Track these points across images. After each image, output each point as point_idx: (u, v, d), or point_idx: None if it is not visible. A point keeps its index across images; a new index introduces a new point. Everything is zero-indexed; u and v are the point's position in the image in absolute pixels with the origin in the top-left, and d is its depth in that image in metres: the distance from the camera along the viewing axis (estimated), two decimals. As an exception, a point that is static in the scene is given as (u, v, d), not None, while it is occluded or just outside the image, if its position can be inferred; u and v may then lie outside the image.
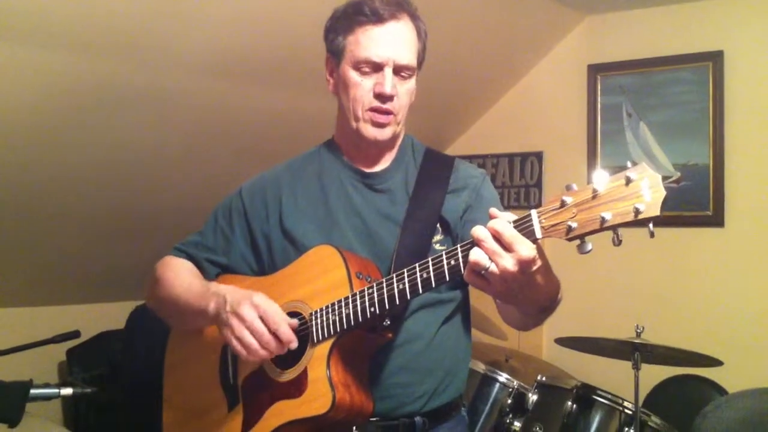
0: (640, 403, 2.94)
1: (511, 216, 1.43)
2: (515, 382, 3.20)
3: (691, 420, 2.71)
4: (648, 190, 1.29)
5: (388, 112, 1.81)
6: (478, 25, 3.70)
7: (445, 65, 3.87)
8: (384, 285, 1.62)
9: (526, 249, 1.39)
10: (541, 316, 1.71)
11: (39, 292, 3.77)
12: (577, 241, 1.36)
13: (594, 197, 1.33)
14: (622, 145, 4.11)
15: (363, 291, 1.65)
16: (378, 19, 1.79)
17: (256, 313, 1.69)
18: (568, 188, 1.38)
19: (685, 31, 3.96)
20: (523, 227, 1.40)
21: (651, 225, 1.31)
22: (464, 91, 4.30)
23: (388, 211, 1.87)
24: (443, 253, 1.53)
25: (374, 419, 1.77)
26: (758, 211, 3.77)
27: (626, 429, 2.93)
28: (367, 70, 1.81)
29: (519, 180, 4.46)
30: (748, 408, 2.66)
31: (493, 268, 1.40)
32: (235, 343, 1.70)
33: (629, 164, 1.32)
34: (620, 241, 1.33)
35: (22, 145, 2.90)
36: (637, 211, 1.28)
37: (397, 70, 1.81)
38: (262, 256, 1.93)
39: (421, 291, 1.58)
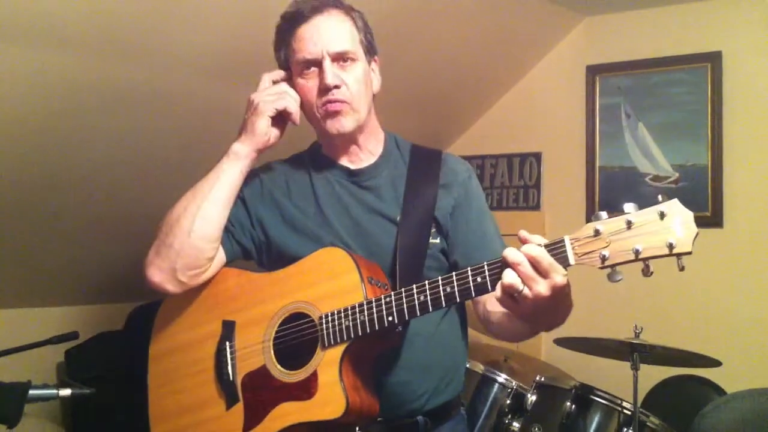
0: (639, 403, 2.94)
1: (542, 239, 1.46)
2: (514, 383, 3.20)
3: (690, 420, 2.72)
4: (680, 226, 1.34)
5: (339, 101, 1.82)
6: (477, 26, 3.71)
7: (444, 66, 3.87)
8: (403, 295, 1.63)
9: (560, 276, 1.42)
10: (545, 331, 1.75)
11: (37, 293, 3.76)
12: (608, 270, 1.39)
13: (628, 228, 1.37)
14: (620, 145, 4.11)
15: (380, 299, 1.65)
16: (302, 18, 1.82)
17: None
18: (597, 217, 1.41)
19: (683, 32, 3.96)
20: (556, 253, 1.43)
21: (681, 260, 1.35)
22: (463, 92, 4.31)
23: (377, 206, 1.88)
24: (468, 269, 1.55)
25: (377, 419, 1.77)
26: (757, 212, 3.78)
27: (625, 429, 2.93)
28: (309, 72, 1.83)
29: (518, 180, 4.46)
30: (747, 408, 2.67)
31: (526, 291, 1.43)
32: (267, 101, 1.83)
33: (660, 198, 1.36)
34: (651, 273, 1.37)
35: (19, 146, 2.90)
36: (671, 246, 1.33)
37: (336, 59, 1.81)
38: (255, 230, 1.93)
39: (443, 305, 1.59)
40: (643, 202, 1.38)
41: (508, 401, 3.17)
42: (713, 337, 3.69)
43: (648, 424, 2.94)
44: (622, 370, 3.04)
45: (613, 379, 3.32)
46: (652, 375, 3.47)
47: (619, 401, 3.00)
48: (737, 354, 3.53)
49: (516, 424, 3.11)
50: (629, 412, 2.93)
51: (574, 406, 3.03)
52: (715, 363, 2.95)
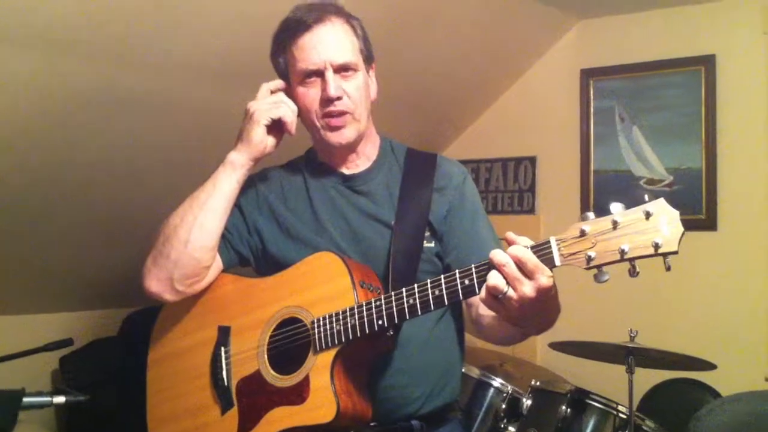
0: (634, 407, 2.93)
1: (528, 241, 1.46)
2: (509, 387, 3.20)
3: (685, 423, 2.71)
4: (666, 225, 1.33)
5: (341, 113, 1.83)
6: (472, 29, 3.71)
7: (439, 70, 3.88)
8: (393, 299, 1.63)
9: (546, 277, 1.42)
10: (534, 335, 1.74)
11: (31, 299, 3.75)
12: (594, 270, 1.39)
13: (614, 228, 1.36)
14: (615, 149, 4.12)
15: (370, 303, 1.65)
16: (304, 27, 1.82)
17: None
18: (585, 218, 1.40)
19: (677, 36, 3.97)
20: (542, 254, 1.43)
21: (668, 260, 1.34)
22: (457, 96, 4.31)
23: (371, 211, 1.88)
24: (456, 271, 1.55)
25: (372, 424, 1.77)
26: (751, 215, 3.78)
27: (620, 433, 2.93)
28: (310, 81, 1.83)
29: (513, 184, 4.47)
30: (742, 411, 2.67)
31: (511, 293, 1.43)
32: (262, 110, 1.83)
33: (646, 198, 1.36)
34: (637, 273, 1.36)
35: (15, 150, 2.90)
36: (656, 246, 1.32)
37: (338, 70, 1.82)
38: (252, 237, 1.94)
39: (432, 308, 1.59)
40: (638, 204, 1.37)
41: (504, 405, 3.16)
42: (708, 340, 3.69)
43: (643, 427, 2.94)
44: (617, 373, 3.04)
45: (609, 382, 3.32)
46: (648, 378, 3.47)
47: (615, 405, 3.00)
48: (732, 357, 3.53)
49: (512, 429, 3.11)
50: (625, 416, 2.93)
51: (569, 410, 3.02)
52: (710, 366, 2.95)
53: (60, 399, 1.81)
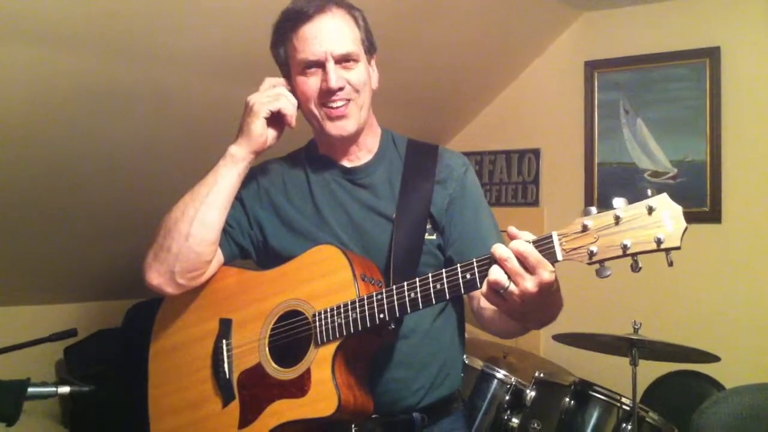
0: (638, 398, 2.94)
1: (530, 235, 1.45)
2: (513, 379, 3.20)
3: (689, 416, 2.72)
4: (669, 220, 1.32)
5: (342, 104, 1.82)
6: (476, 22, 3.70)
7: (442, 62, 3.87)
8: (394, 292, 1.63)
9: (547, 272, 1.41)
10: (536, 329, 1.74)
11: (36, 290, 3.76)
12: (597, 266, 1.38)
13: (616, 223, 1.36)
14: (619, 141, 4.12)
15: (372, 296, 1.65)
16: (305, 17, 1.81)
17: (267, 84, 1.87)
18: (587, 212, 1.39)
19: (682, 28, 3.96)
20: (544, 249, 1.42)
21: (670, 255, 1.33)
22: (462, 88, 4.31)
23: (372, 203, 1.88)
24: (458, 265, 1.54)
25: (373, 416, 1.77)
26: (755, 207, 3.78)
27: (624, 425, 2.93)
28: (310, 71, 1.82)
29: (516, 177, 4.46)
30: (746, 404, 2.67)
31: (512, 288, 1.42)
32: (262, 103, 1.82)
33: (649, 192, 1.35)
34: (640, 268, 1.35)
35: (18, 143, 2.90)
36: (659, 241, 1.31)
37: (339, 61, 1.81)
38: (253, 231, 1.94)
39: (434, 302, 1.59)
40: (641, 198, 1.36)
41: (507, 397, 3.17)
42: (712, 333, 3.69)
43: (647, 419, 2.94)
44: (620, 365, 3.04)
45: (612, 374, 3.32)
46: (651, 370, 3.48)
47: (618, 397, 3.00)
48: (736, 349, 3.53)
49: (515, 420, 3.11)
50: (628, 408, 2.94)
51: (573, 401, 3.03)
52: (713, 358, 2.95)
53: (65, 389, 1.82)
